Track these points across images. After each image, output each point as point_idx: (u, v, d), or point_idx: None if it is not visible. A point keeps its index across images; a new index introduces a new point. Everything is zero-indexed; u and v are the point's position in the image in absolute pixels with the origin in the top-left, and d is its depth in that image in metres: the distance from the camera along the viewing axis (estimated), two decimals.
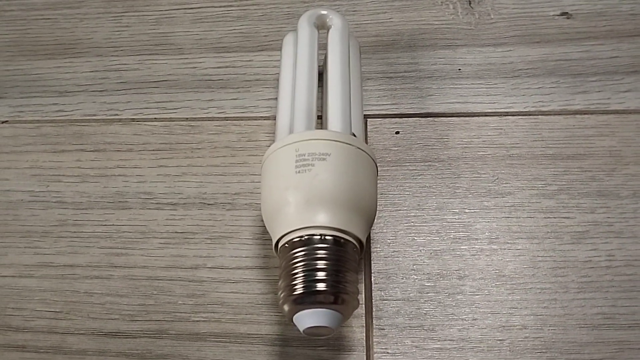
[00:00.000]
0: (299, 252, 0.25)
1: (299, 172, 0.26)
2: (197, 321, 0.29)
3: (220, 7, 0.38)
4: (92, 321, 0.30)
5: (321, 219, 0.26)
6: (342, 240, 0.26)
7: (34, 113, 0.36)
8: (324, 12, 0.33)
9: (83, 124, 0.35)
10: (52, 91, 0.36)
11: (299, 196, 0.26)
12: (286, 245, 0.26)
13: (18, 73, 0.37)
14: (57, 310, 0.30)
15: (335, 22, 0.32)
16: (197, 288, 0.30)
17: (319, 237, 0.26)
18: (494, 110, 0.34)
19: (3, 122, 0.35)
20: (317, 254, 0.25)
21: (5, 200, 0.33)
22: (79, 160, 0.34)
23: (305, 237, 0.26)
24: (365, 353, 0.28)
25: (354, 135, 0.29)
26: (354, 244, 0.26)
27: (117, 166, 0.33)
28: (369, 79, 0.35)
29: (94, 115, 0.35)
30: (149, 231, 0.32)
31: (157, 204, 0.32)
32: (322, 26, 0.33)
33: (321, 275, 0.25)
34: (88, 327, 0.30)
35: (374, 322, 0.29)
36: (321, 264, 0.25)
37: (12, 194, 0.33)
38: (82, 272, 0.31)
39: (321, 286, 0.25)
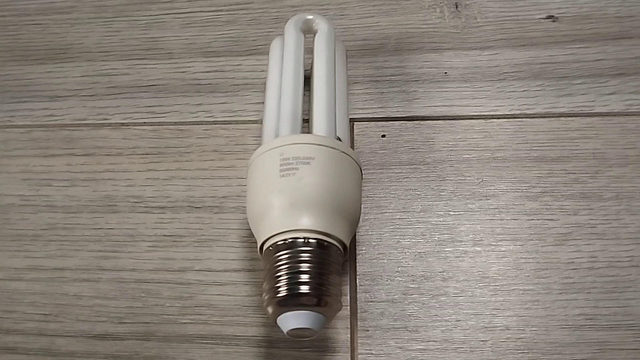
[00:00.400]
0: (283, 255, 0.26)
1: (283, 175, 0.27)
2: (185, 323, 0.30)
3: (210, 12, 0.39)
4: (81, 323, 0.30)
5: (305, 222, 0.26)
6: (325, 244, 0.26)
7: (24, 118, 0.36)
8: (310, 17, 0.33)
9: (73, 128, 0.35)
10: (43, 96, 0.37)
11: (283, 200, 0.26)
12: (270, 248, 0.26)
13: (9, 78, 0.37)
14: (47, 312, 0.30)
15: (321, 26, 0.33)
16: (185, 290, 0.30)
17: (302, 240, 0.26)
18: (479, 113, 0.34)
19: None
20: (301, 256, 0.26)
21: None
22: (69, 164, 0.34)
23: (289, 240, 0.26)
24: (349, 354, 0.29)
25: (339, 139, 0.30)
26: (337, 247, 0.27)
27: (107, 170, 0.34)
28: (356, 82, 0.36)
29: (84, 119, 0.36)
30: (137, 234, 0.32)
31: (145, 207, 0.33)
32: (308, 31, 0.33)
33: (304, 277, 0.25)
34: (77, 330, 0.30)
35: (359, 323, 0.29)
36: (304, 266, 0.25)
37: (2, 198, 0.34)
38: (71, 275, 0.31)
39: (304, 289, 0.25)
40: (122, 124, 0.35)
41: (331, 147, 0.28)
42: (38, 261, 0.32)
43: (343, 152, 0.28)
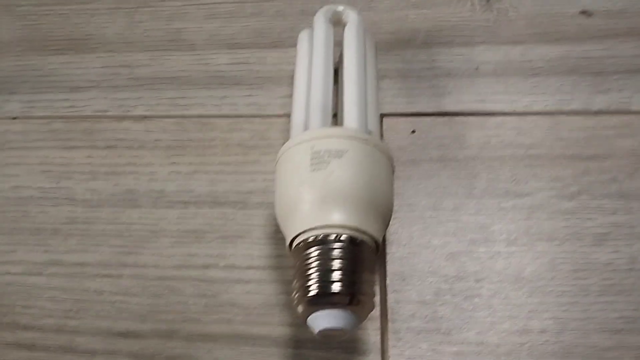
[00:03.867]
0: (314, 251, 0.25)
1: (314, 169, 0.26)
2: (208, 322, 0.29)
3: (234, 3, 0.38)
4: (102, 320, 0.29)
5: (337, 218, 0.25)
6: (358, 240, 0.25)
7: (44, 109, 0.35)
8: (340, 8, 0.32)
9: (94, 120, 0.35)
10: (63, 87, 0.36)
11: (314, 194, 0.26)
12: (300, 244, 0.25)
13: (29, 68, 0.37)
14: (67, 308, 0.30)
15: (351, 18, 0.32)
16: (208, 288, 0.30)
17: (334, 236, 0.25)
18: (512, 110, 0.33)
19: (14, 118, 0.35)
20: (333, 253, 0.25)
21: (15, 197, 0.33)
22: (90, 156, 0.33)
23: (320, 236, 0.25)
24: (380, 356, 0.28)
25: (370, 133, 0.29)
26: (370, 243, 0.26)
27: (128, 163, 0.33)
28: (384, 76, 0.35)
29: (106, 111, 0.35)
30: (159, 230, 0.31)
31: (168, 202, 0.32)
32: (337, 23, 0.32)
33: (336, 275, 0.24)
34: (98, 327, 0.29)
35: (390, 325, 0.28)
36: (336, 264, 0.24)
37: (22, 190, 0.33)
38: (92, 271, 0.30)
39: (336, 287, 0.24)
40: (145, 117, 0.34)
41: (364, 141, 0.27)
42: (58, 256, 0.31)
43: (376, 145, 0.27)
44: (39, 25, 0.38)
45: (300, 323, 0.26)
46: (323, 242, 0.25)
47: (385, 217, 0.27)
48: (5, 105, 0.36)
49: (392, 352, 0.28)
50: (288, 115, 0.31)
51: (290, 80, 0.34)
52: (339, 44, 0.32)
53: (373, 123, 0.30)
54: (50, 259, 0.31)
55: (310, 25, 0.32)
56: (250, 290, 0.29)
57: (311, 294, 0.24)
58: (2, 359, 0.29)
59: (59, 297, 0.30)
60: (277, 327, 0.29)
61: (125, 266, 0.30)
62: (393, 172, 0.28)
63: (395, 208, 0.30)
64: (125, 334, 0.29)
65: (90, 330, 0.29)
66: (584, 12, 0.36)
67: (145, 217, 0.32)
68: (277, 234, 0.30)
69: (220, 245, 0.31)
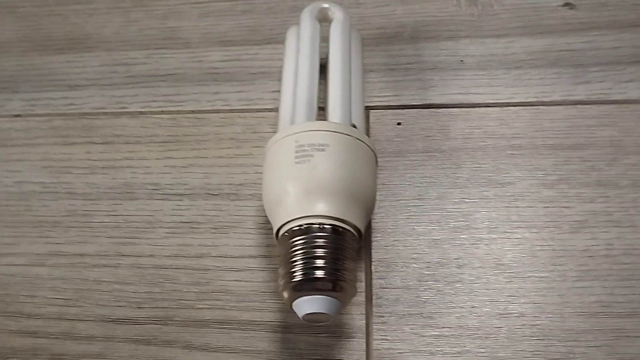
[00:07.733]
0: (299, 240, 0.26)
1: (298, 162, 0.27)
2: (202, 308, 0.30)
3: (227, 1, 0.39)
4: (101, 308, 0.31)
5: (320, 209, 0.26)
6: (340, 229, 0.26)
7: (45, 106, 0.36)
8: (326, 5, 0.33)
9: (92, 117, 0.36)
10: (63, 85, 0.37)
11: (298, 186, 0.27)
12: (286, 233, 0.27)
13: (30, 68, 0.38)
14: (67, 297, 0.31)
15: (337, 15, 0.33)
16: (202, 276, 0.31)
17: (317, 225, 0.26)
18: (495, 101, 0.34)
19: (15, 116, 0.36)
20: (316, 242, 0.26)
21: (18, 191, 0.34)
22: (89, 152, 0.35)
23: (305, 225, 0.26)
24: (365, 340, 0.29)
25: (354, 127, 0.30)
26: (352, 232, 0.27)
27: (125, 158, 0.34)
28: (371, 70, 0.36)
29: (103, 108, 0.36)
30: (155, 221, 0.32)
31: (163, 194, 0.33)
32: (324, 19, 0.33)
33: (320, 263, 0.25)
34: (97, 314, 0.30)
35: (374, 309, 0.30)
36: (320, 252, 0.26)
37: (24, 185, 0.34)
38: (91, 261, 0.32)
39: (319, 273, 0.25)
40: (141, 113, 0.36)
41: (345, 134, 0.28)
42: (59, 247, 0.32)
43: (357, 138, 0.28)
44: (40, 25, 0.40)
45: (288, 309, 0.27)
46: (307, 232, 0.26)
47: (367, 207, 0.28)
48: (8, 103, 0.37)
49: (376, 335, 0.29)
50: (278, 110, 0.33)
51: (281, 75, 0.35)
52: (326, 40, 0.33)
53: (358, 117, 0.31)
54: (51, 250, 0.32)
55: (299, 22, 0.33)
56: (242, 278, 0.31)
57: (295, 280, 0.25)
58: (7, 346, 0.30)
59: (60, 287, 0.31)
60: (266, 312, 0.30)
61: (123, 256, 0.32)
62: (376, 164, 0.29)
63: (381, 198, 0.32)
64: (123, 321, 0.30)
65: (89, 318, 0.30)
66: (566, 5, 0.37)
67: (142, 209, 0.33)
68: (267, 224, 0.31)
69: (214, 236, 0.32)
